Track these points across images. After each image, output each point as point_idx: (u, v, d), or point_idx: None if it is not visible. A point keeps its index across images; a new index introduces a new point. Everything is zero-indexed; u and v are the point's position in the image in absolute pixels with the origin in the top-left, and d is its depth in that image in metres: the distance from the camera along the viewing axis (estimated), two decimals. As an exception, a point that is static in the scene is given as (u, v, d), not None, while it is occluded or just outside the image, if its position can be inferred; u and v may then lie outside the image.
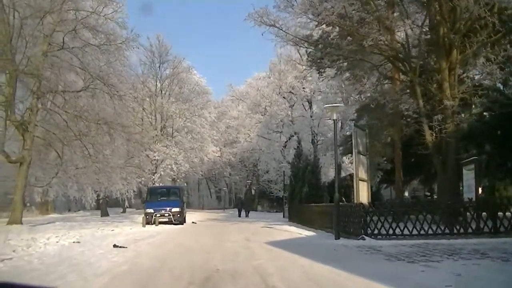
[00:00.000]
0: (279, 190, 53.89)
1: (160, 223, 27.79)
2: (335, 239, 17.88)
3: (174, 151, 42.82)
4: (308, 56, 30.72)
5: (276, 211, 57.44)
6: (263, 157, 58.13)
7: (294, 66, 46.66)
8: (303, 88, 46.17)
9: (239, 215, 47.27)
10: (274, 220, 35.91)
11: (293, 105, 49.05)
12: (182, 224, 29.28)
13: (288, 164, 44.83)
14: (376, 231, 17.10)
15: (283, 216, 39.35)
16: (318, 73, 31.20)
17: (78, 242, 16.70)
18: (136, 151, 42.03)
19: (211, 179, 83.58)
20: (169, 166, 43.13)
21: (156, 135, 44.53)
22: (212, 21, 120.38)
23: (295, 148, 37.99)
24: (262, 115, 51.94)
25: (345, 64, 28.34)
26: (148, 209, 28.78)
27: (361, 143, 22.41)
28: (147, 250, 14.73)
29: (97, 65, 29.73)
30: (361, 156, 21.98)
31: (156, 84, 46.75)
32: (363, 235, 16.74)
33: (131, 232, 22.55)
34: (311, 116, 45.89)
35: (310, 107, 46.94)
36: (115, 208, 56.60)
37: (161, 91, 46.54)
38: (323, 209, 24.02)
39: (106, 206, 48.72)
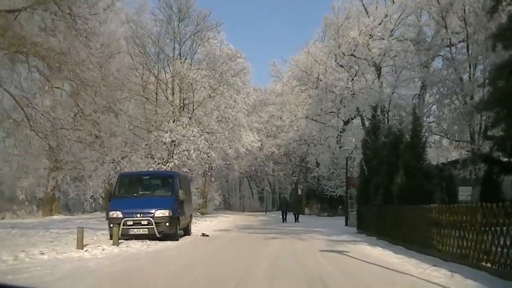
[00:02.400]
0: (334, 188, 39.37)
1: (135, 237, 14.00)
2: None
3: (192, 131, 28.87)
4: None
5: (329, 215, 43.03)
6: (312, 149, 43.75)
7: (357, 18, 32.13)
8: (369, 48, 31.52)
9: (283, 220, 33.62)
10: (334, 229, 21.95)
11: (355, 75, 34.42)
12: (176, 239, 15.30)
13: (349, 151, 30.45)
14: None
15: (346, 224, 24.92)
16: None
17: None
18: (138, 129, 29.04)
19: (253, 177, 69.83)
20: (186, 153, 29.20)
21: (172, 112, 30.83)
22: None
23: (369, 119, 23.14)
24: (314, 88, 37.21)
25: None
26: (113, 212, 14.87)
27: None
28: None
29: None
30: None
31: (174, 46, 33.02)
32: None
33: (19, 268, 8.73)
34: (380, 87, 31.16)
35: (379, 76, 32.21)
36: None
37: (180, 55, 32.74)
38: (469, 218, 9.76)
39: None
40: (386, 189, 16.38)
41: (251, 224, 28.72)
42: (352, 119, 37.52)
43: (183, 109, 32.21)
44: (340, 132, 36.97)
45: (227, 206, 73.46)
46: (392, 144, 16.92)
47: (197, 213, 43.31)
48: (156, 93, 32.49)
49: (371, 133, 21.00)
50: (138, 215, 14.39)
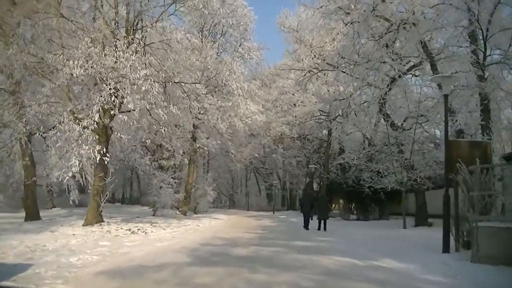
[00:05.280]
0: (368, 180, 24.11)
1: None
2: None
3: (129, 58, 13.93)
4: None
5: (359, 218, 28.39)
6: (337, 124, 29.03)
7: None
8: None
9: (305, 225, 19.72)
10: (432, 267, 6.94)
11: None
12: None
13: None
14: None
15: (446, 249, 9.85)
16: None
17: None
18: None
19: (260, 171, 55.07)
20: (114, 100, 14.20)
21: (103, 35, 15.87)
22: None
23: None
24: (348, 12, 21.20)
25: None
26: None
27: None
28: None
29: None
30: None
31: None
32: None
33: None
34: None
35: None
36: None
37: None
38: None
39: (34, 200, 21.59)
40: None
41: (240, 238, 13.84)
42: (404, 73, 22.35)
43: (131, 35, 17.20)
44: (386, 92, 21.77)
45: (231, 203, 59.24)
46: None
47: (177, 213, 28.80)
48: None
49: None
50: None
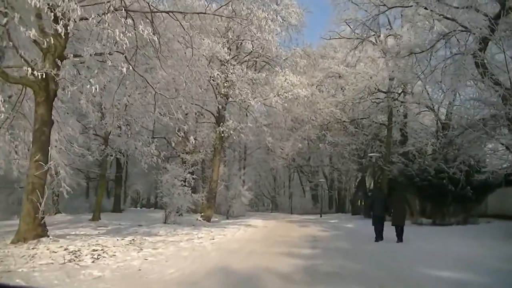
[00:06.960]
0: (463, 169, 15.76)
1: None
2: None
3: None
4: None
5: (435, 222, 20.13)
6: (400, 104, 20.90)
7: None
8: None
9: (378, 235, 12.44)
10: None
11: None
12: None
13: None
14: None
15: None
16: None
17: None
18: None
19: (304, 169, 46.98)
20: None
21: None
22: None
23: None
24: None
25: None
26: None
27: None
28: None
29: None
30: None
31: None
32: None
33: None
34: None
35: None
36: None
37: None
38: None
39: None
40: None
41: (266, 278, 6.14)
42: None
43: None
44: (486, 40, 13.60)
45: (273, 206, 52.43)
46: None
47: (198, 219, 21.43)
48: None
49: None
50: None
